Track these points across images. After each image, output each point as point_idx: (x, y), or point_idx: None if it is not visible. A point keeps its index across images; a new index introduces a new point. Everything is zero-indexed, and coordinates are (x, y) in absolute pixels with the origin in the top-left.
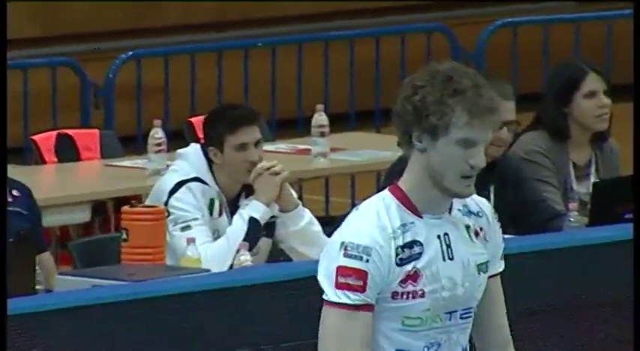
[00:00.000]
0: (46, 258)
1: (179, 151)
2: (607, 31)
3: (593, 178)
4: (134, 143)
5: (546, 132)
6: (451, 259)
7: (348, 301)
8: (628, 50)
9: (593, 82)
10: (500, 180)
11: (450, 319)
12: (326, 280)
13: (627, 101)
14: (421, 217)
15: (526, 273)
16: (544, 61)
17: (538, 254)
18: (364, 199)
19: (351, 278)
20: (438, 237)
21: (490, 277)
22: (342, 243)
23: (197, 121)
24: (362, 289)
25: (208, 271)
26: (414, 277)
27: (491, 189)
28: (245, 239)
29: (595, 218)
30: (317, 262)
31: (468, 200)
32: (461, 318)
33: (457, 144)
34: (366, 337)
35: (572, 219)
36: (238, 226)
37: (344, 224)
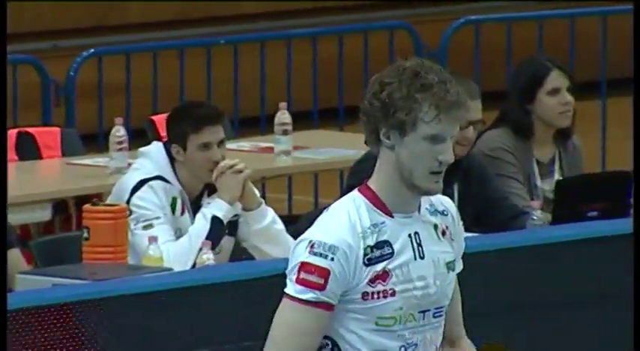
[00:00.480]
0: (12, 255)
1: (141, 149)
2: (570, 28)
3: (556, 176)
4: (96, 141)
5: (510, 129)
6: (422, 258)
7: (304, 297)
8: (591, 47)
9: (556, 78)
10: (464, 178)
11: (423, 319)
12: (289, 274)
13: (591, 99)
14: (392, 216)
15: (488, 271)
16: (507, 59)
17: (500, 253)
18: (328, 198)
19: (313, 275)
20: (409, 236)
21: None
22: (310, 241)
23: (159, 119)
24: (321, 288)
25: (170, 270)
26: (383, 276)
27: (455, 187)
28: (208, 238)
29: (558, 216)
30: (280, 260)
31: (434, 199)
32: (433, 317)
33: (425, 140)
34: (314, 333)
35: (535, 217)
36: (201, 224)
37: (314, 224)
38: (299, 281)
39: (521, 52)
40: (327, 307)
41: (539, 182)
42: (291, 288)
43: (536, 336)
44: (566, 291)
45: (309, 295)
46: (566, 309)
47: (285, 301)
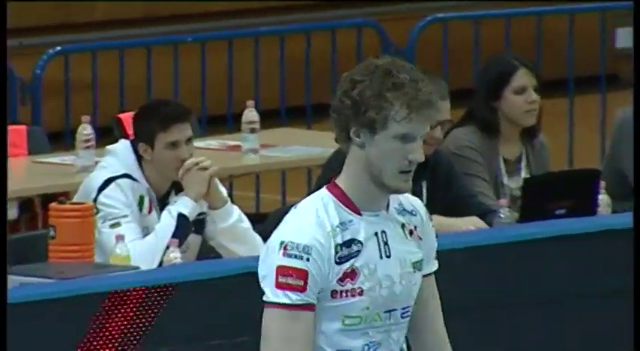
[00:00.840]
0: None
1: (108, 147)
2: (537, 26)
3: (523, 174)
4: (62, 139)
5: (477, 127)
6: (388, 256)
7: (289, 301)
8: (558, 46)
9: (523, 77)
10: (433, 176)
11: (389, 319)
12: (266, 280)
13: (558, 97)
14: (360, 214)
15: (456, 270)
16: (475, 56)
17: (468, 251)
18: (295, 196)
19: (292, 278)
20: (376, 234)
21: (424, 276)
22: (282, 242)
23: (126, 117)
24: (302, 289)
25: (137, 268)
26: (351, 275)
27: (424, 185)
28: (174, 235)
29: (526, 214)
30: (247, 259)
31: (403, 199)
32: (401, 317)
33: (395, 138)
34: (309, 337)
35: (502, 215)
36: (167, 222)
37: (283, 224)
38: (279, 286)
39: (489, 50)
40: (312, 307)
41: (506, 180)
42: (272, 294)
43: (503, 334)
44: (533, 289)
45: (293, 299)
46: (534, 307)
47: (269, 310)
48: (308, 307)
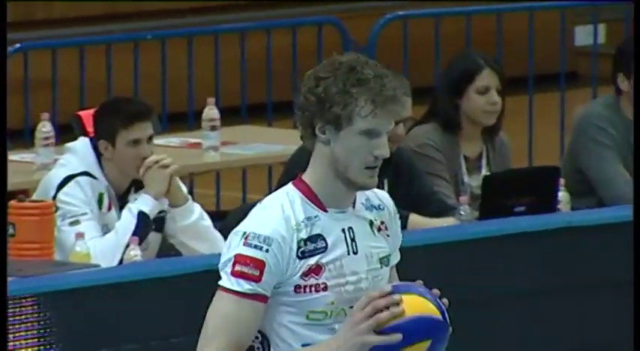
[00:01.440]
0: None
1: (67, 144)
2: (497, 23)
3: (484, 171)
4: (22, 137)
5: (438, 124)
6: (355, 253)
7: (240, 289)
8: (518, 43)
9: (487, 77)
10: (394, 173)
11: None
12: (223, 266)
13: (518, 94)
14: (326, 211)
15: (417, 267)
16: (435, 54)
17: (428, 248)
18: (256, 193)
19: (248, 267)
20: (343, 231)
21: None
22: (244, 233)
23: (86, 114)
24: (257, 279)
25: (98, 266)
26: (316, 270)
27: (385, 182)
28: (134, 233)
29: (485, 212)
30: (208, 256)
31: (370, 194)
32: None
33: (361, 134)
34: (249, 327)
35: (462, 212)
36: (127, 220)
37: (248, 217)
38: (234, 273)
39: (449, 48)
40: (263, 298)
41: (466, 178)
42: (227, 281)
43: (463, 331)
44: (493, 286)
45: (245, 287)
46: (493, 305)
47: (220, 293)
48: (258, 297)
